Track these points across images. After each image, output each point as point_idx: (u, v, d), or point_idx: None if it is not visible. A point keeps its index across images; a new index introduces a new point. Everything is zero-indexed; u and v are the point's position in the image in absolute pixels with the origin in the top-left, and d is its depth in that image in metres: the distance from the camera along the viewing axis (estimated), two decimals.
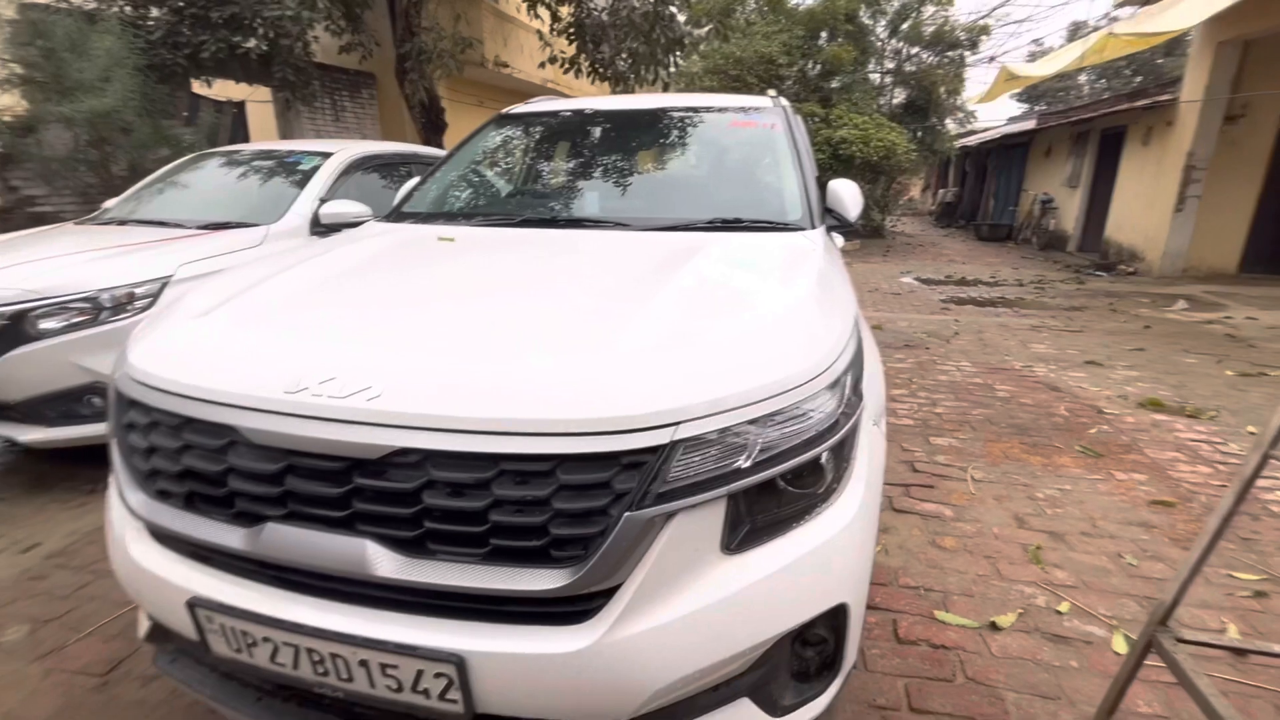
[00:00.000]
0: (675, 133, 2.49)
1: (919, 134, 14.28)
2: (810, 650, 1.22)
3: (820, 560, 1.11)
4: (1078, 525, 2.54)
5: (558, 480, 0.98)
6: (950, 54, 14.36)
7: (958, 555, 2.34)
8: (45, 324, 2.59)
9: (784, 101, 2.69)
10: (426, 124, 8.71)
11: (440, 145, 8.66)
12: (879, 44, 15.44)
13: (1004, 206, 16.36)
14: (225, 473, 1.10)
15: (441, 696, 1.02)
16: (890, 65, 15.20)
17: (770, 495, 1.09)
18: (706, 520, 1.03)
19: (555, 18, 9.56)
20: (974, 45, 14.26)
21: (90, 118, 5.71)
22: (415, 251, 1.77)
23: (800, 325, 1.28)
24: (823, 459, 1.14)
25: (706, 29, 12.99)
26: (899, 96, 15.49)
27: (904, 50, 15.16)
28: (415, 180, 2.64)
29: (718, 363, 1.10)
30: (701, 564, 1.04)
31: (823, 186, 2.24)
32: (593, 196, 2.18)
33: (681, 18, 8.34)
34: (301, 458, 1.05)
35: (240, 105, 8.97)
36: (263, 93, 9.36)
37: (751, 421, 1.04)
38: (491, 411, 0.98)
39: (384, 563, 1.01)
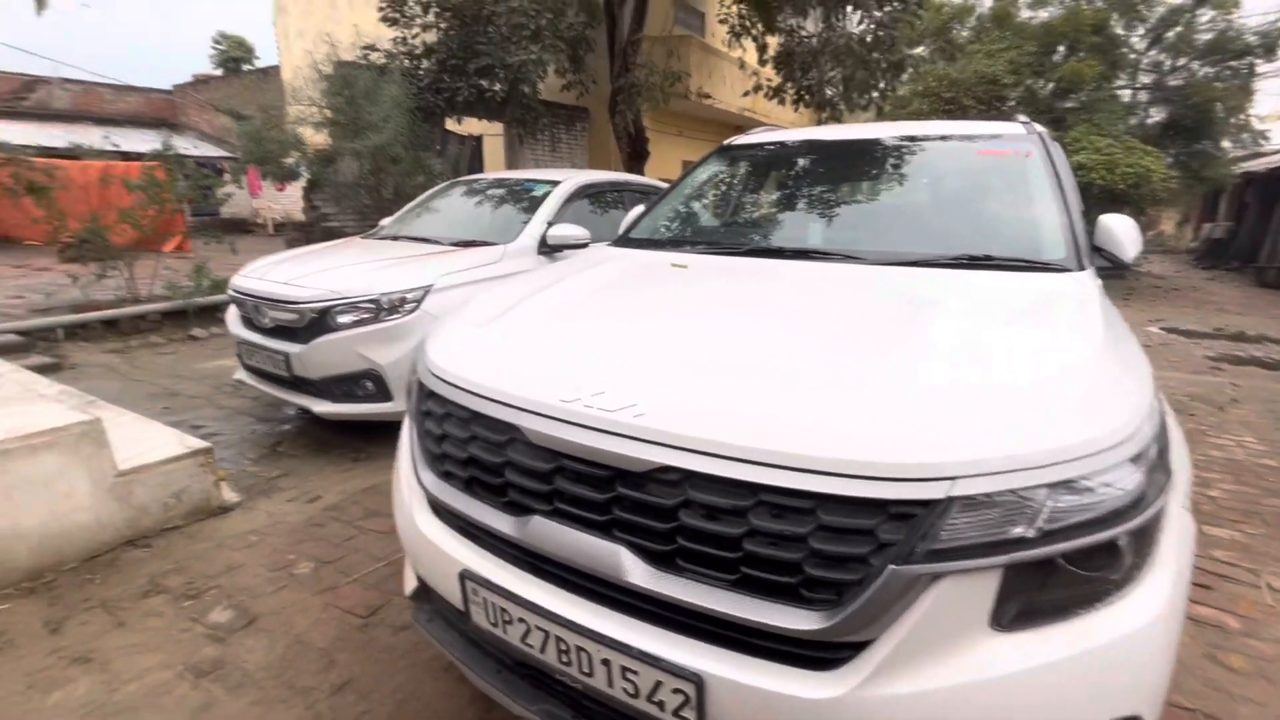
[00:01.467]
0: (912, 162, 2.37)
1: (1182, 158, 12.03)
2: None
3: (1113, 659, 0.96)
4: None
5: (818, 520, 0.96)
6: (1234, 64, 11.93)
7: (1252, 681, 1.88)
8: (341, 319, 3.18)
9: (1039, 127, 2.42)
10: (631, 153, 9.32)
11: (641, 173, 9.19)
12: (1132, 56, 13.37)
13: None
14: (503, 465, 1.25)
15: (675, 713, 1.04)
16: (1146, 80, 13.04)
17: (1055, 573, 0.96)
18: (977, 588, 0.94)
19: (761, 48, 9.72)
20: (1271, 51, 11.71)
21: (373, 151, 6.97)
22: (655, 277, 1.88)
23: (1097, 384, 1.12)
24: (1120, 540, 0.98)
25: (928, 49, 12.27)
26: (1157, 115, 13.21)
27: (1166, 62, 12.93)
28: (640, 208, 2.81)
29: (1003, 417, 1.00)
30: (967, 636, 0.94)
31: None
32: (823, 227, 2.15)
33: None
34: (571, 461, 1.15)
35: (478, 139, 10.35)
36: (495, 128, 10.73)
37: (1040, 486, 0.94)
38: (755, 441, 1.00)
39: (636, 571, 1.07)
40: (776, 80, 8.88)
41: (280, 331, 3.34)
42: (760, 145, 2.80)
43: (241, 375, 3.75)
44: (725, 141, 2.95)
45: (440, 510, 1.40)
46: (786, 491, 0.97)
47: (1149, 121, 13.36)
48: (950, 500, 0.92)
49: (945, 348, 1.22)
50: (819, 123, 8.89)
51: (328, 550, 2.48)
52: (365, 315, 3.18)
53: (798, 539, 0.97)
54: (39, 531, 2.23)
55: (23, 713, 1.68)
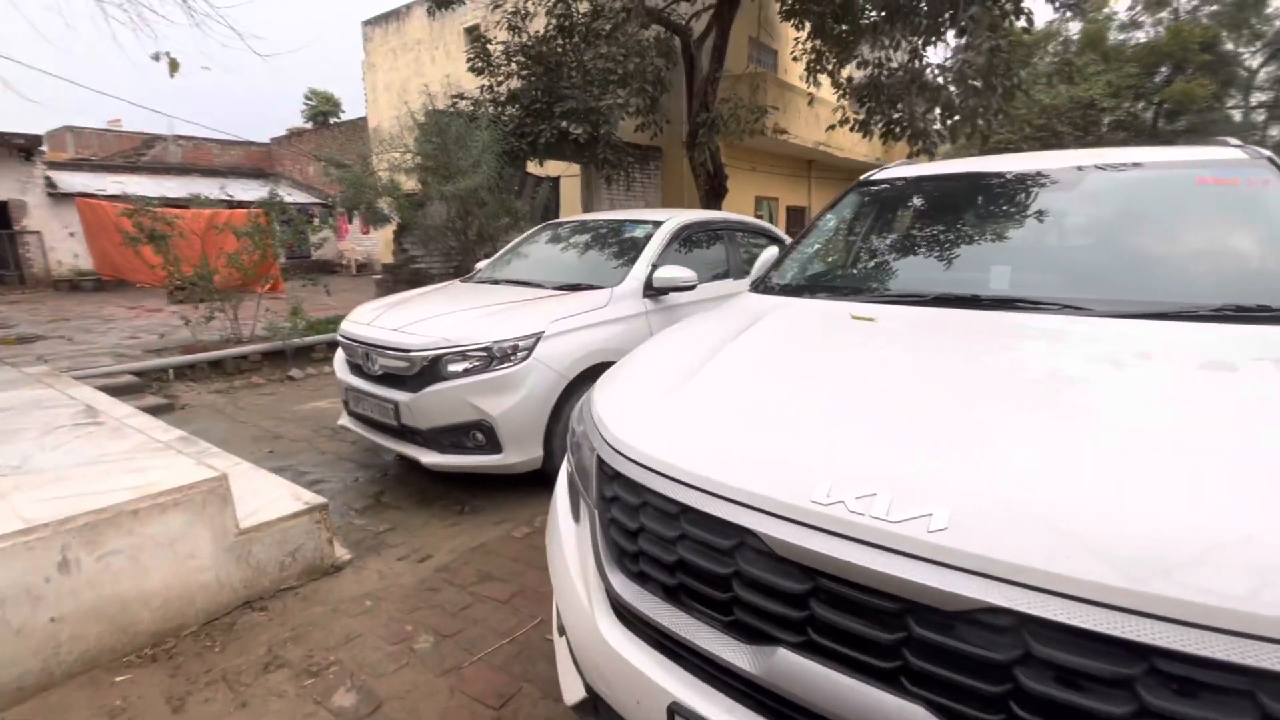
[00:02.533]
0: (1114, 194, 2.05)
1: None
2: None
3: None
4: None
5: (1260, 707, 0.67)
6: None
7: None
8: (452, 367, 3.08)
9: (1264, 150, 2.07)
10: (709, 190, 9.21)
11: (719, 208, 9.06)
12: (1244, 74, 12.41)
13: None
14: (730, 576, 1.01)
15: None
16: (1266, 98, 12.06)
17: None
18: None
19: (836, 84, 9.53)
20: None
21: (463, 195, 7.11)
22: (846, 332, 1.63)
23: None
24: None
25: (1030, 74, 11.77)
26: (1276, 133, 12.15)
27: None
28: (774, 251, 2.59)
29: None
30: None
31: None
32: (1021, 272, 1.85)
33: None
34: (834, 583, 0.90)
35: (556, 180, 10.53)
36: (571, 169, 10.91)
37: None
38: (1141, 581, 0.72)
39: None
40: (860, 114, 8.63)
41: (389, 379, 3.28)
42: (910, 179, 2.55)
43: (345, 421, 3.71)
44: (864, 176, 2.71)
45: (630, 618, 1.18)
46: (1200, 660, 0.69)
47: (1267, 141, 12.28)
48: None
49: None
50: (911, 155, 8.55)
51: (445, 621, 2.30)
52: (477, 364, 3.06)
53: None
54: (162, 594, 2.15)
55: None
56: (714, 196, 9.26)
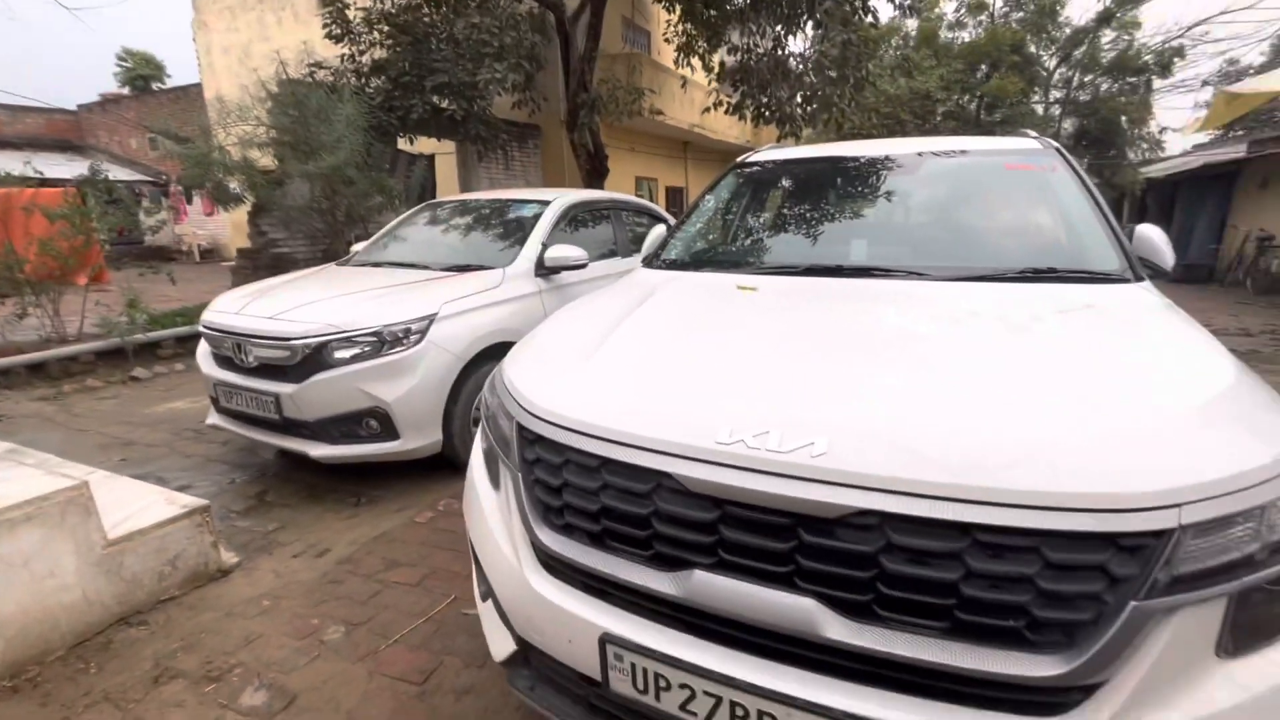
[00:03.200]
0: (945, 177, 2.41)
1: (1095, 166, 13.05)
2: None
3: None
4: None
5: (1044, 558, 0.91)
6: (1133, 80, 13.08)
7: None
8: (339, 354, 2.95)
9: (1053, 142, 2.52)
10: (591, 169, 9.25)
11: (601, 188, 9.15)
12: (1044, 74, 14.44)
13: (1202, 244, 14.39)
14: (650, 516, 1.14)
15: None
16: (1059, 95, 14.12)
17: (1275, 592, 0.94)
18: (1209, 616, 0.91)
19: (708, 67, 9.89)
20: (1165, 69, 12.91)
21: (327, 173, 6.61)
22: (732, 300, 1.81)
23: (1263, 398, 1.13)
24: None
25: (878, 66, 12.82)
26: (1069, 127, 14.30)
27: (1076, 78, 14.04)
28: (662, 229, 2.75)
29: (1208, 438, 0.99)
30: (1197, 667, 0.91)
31: None
32: (874, 244, 2.14)
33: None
34: (738, 509, 1.06)
35: (431, 157, 10.05)
36: (447, 146, 10.46)
37: (1265, 504, 0.92)
38: (968, 478, 0.94)
39: (831, 625, 0.99)
40: (735, 97, 9.04)
41: (267, 370, 3.07)
42: (781, 162, 2.80)
43: (216, 419, 3.43)
44: (741, 159, 2.93)
45: (557, 568, 1.28)
46: (1007, 530, 0.92)
47: (1062, 133, 14.43)
48: (1182, 527, 0.89)
49: (1104, 366, 1.21)
50: (779, 139, 9.11)
51: (354, 610, 2.27)
52: (367, 349, 2.96)
53: (1023, 580, 0.91)
54: (18, 619, 1.93)
55: None
56: (596, 177, 9.32)
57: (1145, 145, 14.89)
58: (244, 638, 2.11)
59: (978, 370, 1.23)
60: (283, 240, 7.69)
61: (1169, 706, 0.89)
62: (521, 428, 1.36)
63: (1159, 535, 0.89)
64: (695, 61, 9.86)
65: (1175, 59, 12.71)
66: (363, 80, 8.12)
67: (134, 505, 2.36)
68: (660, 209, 5.58)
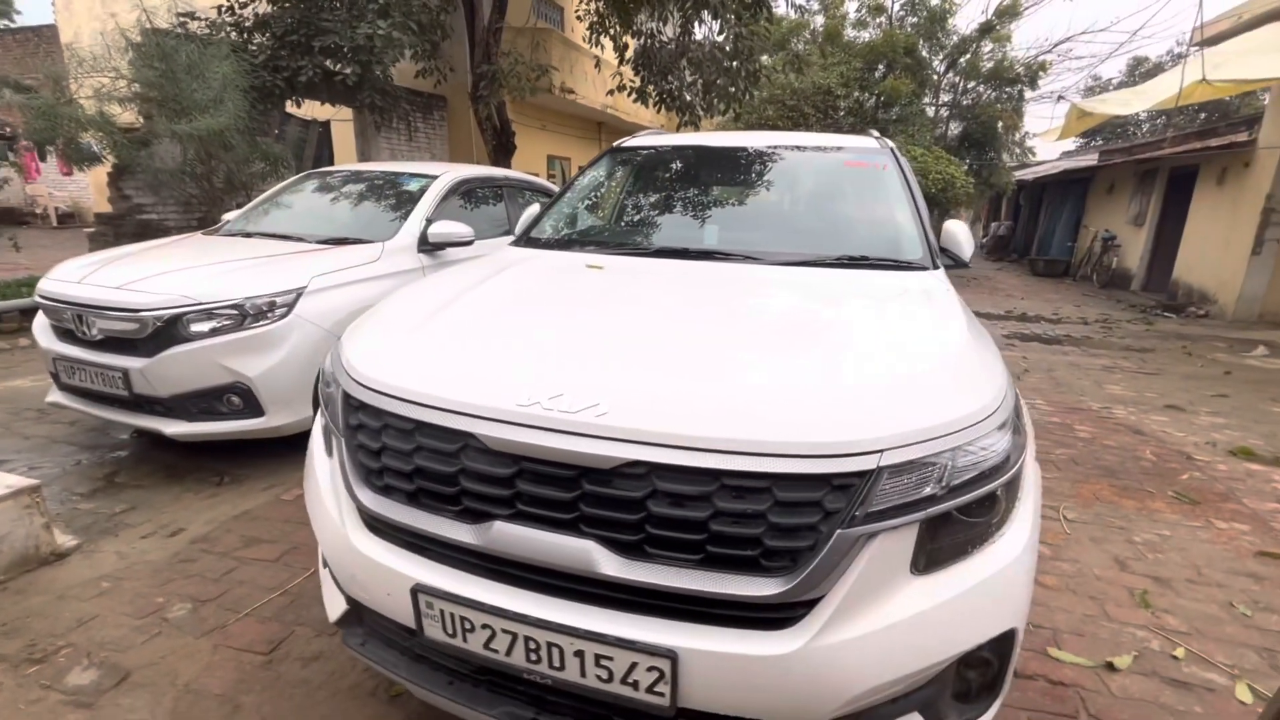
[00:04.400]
0: (791, 170, 2.62)
1: (975, 167, 14.21)
2: (972, 672, 1.28)
3: (996, 586, 1.19)
4: (1182, 572, 2.52)
5: (774, 497, 1.08)
6: (1009, 89, 14.29)
7: (1061, 594, 2.35)
8: (196, 327, 2.83)
9: (889, 142, 2.79)
10: (497, 145, 9.07)
11: (508, 166, 9.00)
12: (936, 77, 15.49)
13: (1061, 242, 16.06)
14: (456, 474, 1.23)
15: (650, 689, 1.11)
16: (947, 98, 15.19)
17: (954, 523, 1.17)
18: (901, 542, 1.12)
19: (621, 48, 9.91)
20: (1033, 81, 14.19)
21: (202, 135, 6.13)
22: (576, 277, 1.92)
23: (972, 365, 1.37)
24: (998, 491, 1.21)
25: (774, 60, 13.23)
26: (955, 129, 15.44)
27: (961, 84, 15.16)
28: (536, 208, 2.81)
29: (910, 397, 1.20)
30: (895, 583, 1.12)
31: None
32: (720, 230, 2.31)
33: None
34: (532, 464, 1.17)
35: (326, 124, 9.49)
36: (345, 112, 9.90)
37: (944, 453, 1.13)
38: (718, 431, 1.10)
39: (607, 563, 1.12)
40: (638, 81, 9.11)
41: (114, 344, 2.89)
42: (653, 149, 2.92)
43: (57, 397, 3.18)
44: (617, 143, 3.04)
45: (379, 527, 1.35)
46: (748, 475, 1.08)
47: (950, 135, 15.57)
48: (880, 470, 1.09)
49: (854, 338, 1.42)
50: (679, 126, 9.28)
51: (205, 588, 2.22)
52: (226, 322, 2.85)
53: (757, 516, 1.08)
54: None
55: None
56: (502, 153, 9.14)
57: (1018, 150, 16.38)
58: (76, 620, 2.03)
59: (752, 342, 1.40)
60: (150, 206, 7.07)
61: (871, 613, 1.10)
62: (347, 395, 1.41)
63: (862, 475, 1.08)
64: (606, 41, 9.85)
65: (1041, 72, 14.03)
66: (244, 36, 7.53)
67: None
68: (554, 188, 5.61)
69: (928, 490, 1.12)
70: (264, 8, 7.73)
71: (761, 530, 1.08)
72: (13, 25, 20.50)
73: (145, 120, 6.56)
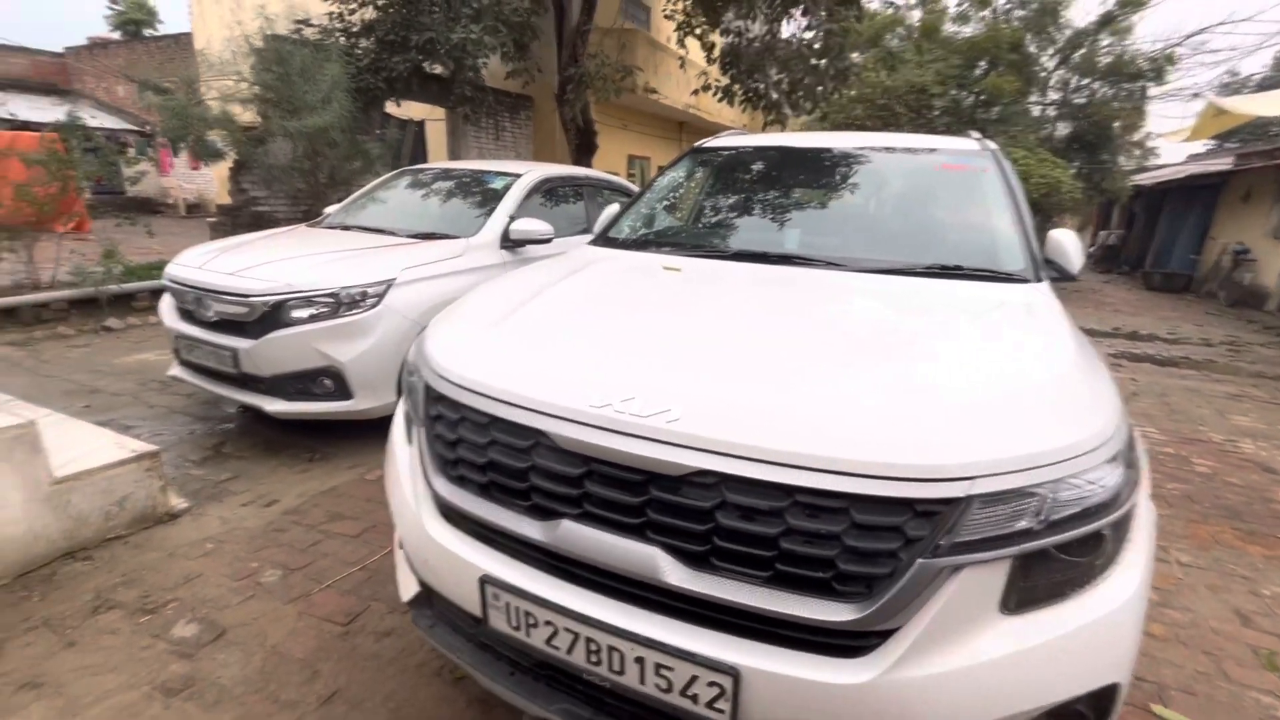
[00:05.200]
0: (880, 173, 2.50)
1: (1084, 170, 13.14)
2: None
3: (1097, 635, 1.08)
4: None
5: (851, 519, 1.03)
6: (1129, 85, 13.10)
7: (1170, 645, 2.13)
8: (296, 313, 3.03)
9: (991, 144, 2.61)
10: (579, 145, 9.23)
11: (589, 165, 9.14)
12: (1043, 74, 14.44)
13: (1183, 254, 14.58)
14: (528, 470, 1.25)
15: (710, 705, 1.09)
16: (1055, 96, 14.12)
17: (1052, 561, 1.07)
18: (990, 577, 1.03)
19: (708, 47, 9.84)
20: (1159, 76, 12.94)
21: (310, 133, 6.59)
22: (653, 279, 1.91)
23: (1081, 391, 1.25)
24: (1105, 531, 1.10)
25: (864, 57, 12.76)
26: (1063, 130, 14.34)
27: (1072, 81, 14.05)
28: (615, 208, 2.82)
29: (1009, 422, 1.11)
30: (980, 621, 1.04)
31: None
32: (802, 234, 2.24)
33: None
34: (602, 465, 1.17)
35: (420, 124, 9.97)
36: (438, 113, 10.37)
37: (1044, 484, 1.04)
38: (793, 445, 1.05)
39: (672, 572, 1.11)
40: (725, 80, 9.01)
41: (226, 325, 3.14)
42: (735, 149, 2.87)
43: (177, 371, 3.50)
44: (698, 144, 3.01)
45: (452, 515, 1.39)
46: (823, 493, 1.03)
47: (1056, 135, 14.47)
48: (970, 498, 1.01)
49: (945, 354, 1.33)
50: (765, 125, 9.11)
51: (293, 556, 2.38)
52: (323, 310, 3.04)
53: (832, 537, 1.03)
54: None
55: None
56: (584, 153, 9.29)
57: (1138, 152, 14.99)
58: (183, 577, 2.22)
59: (833, 353, 1.34)
60: (263, 199, 7.66)
61: (952, 651, 1.02)
62: (428, 386, 1.46)
63: (949, 503, 1.01)
64: (691, 41, 9.80)
65: (1168, 65, 12.76)
66: (351, 41, 8.02)
67: (84, 447, 2.45)
68: (634, 188, 5.63)
69: (1023, 524, 1.03)
70: (370, 14, 8.21)
71: (836, 552, 1.03)
72: (155, 33, 22.80)
73: (262, 120, 7.11)
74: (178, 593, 2.13)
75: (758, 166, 2.76)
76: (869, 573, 1.03)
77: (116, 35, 23.51)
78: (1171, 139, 10.39)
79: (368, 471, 3.09)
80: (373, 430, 3.42)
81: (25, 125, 6.58)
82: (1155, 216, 16.88)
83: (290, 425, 3.49)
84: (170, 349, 3.54)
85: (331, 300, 3.04)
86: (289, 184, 7.40)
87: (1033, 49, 13.41)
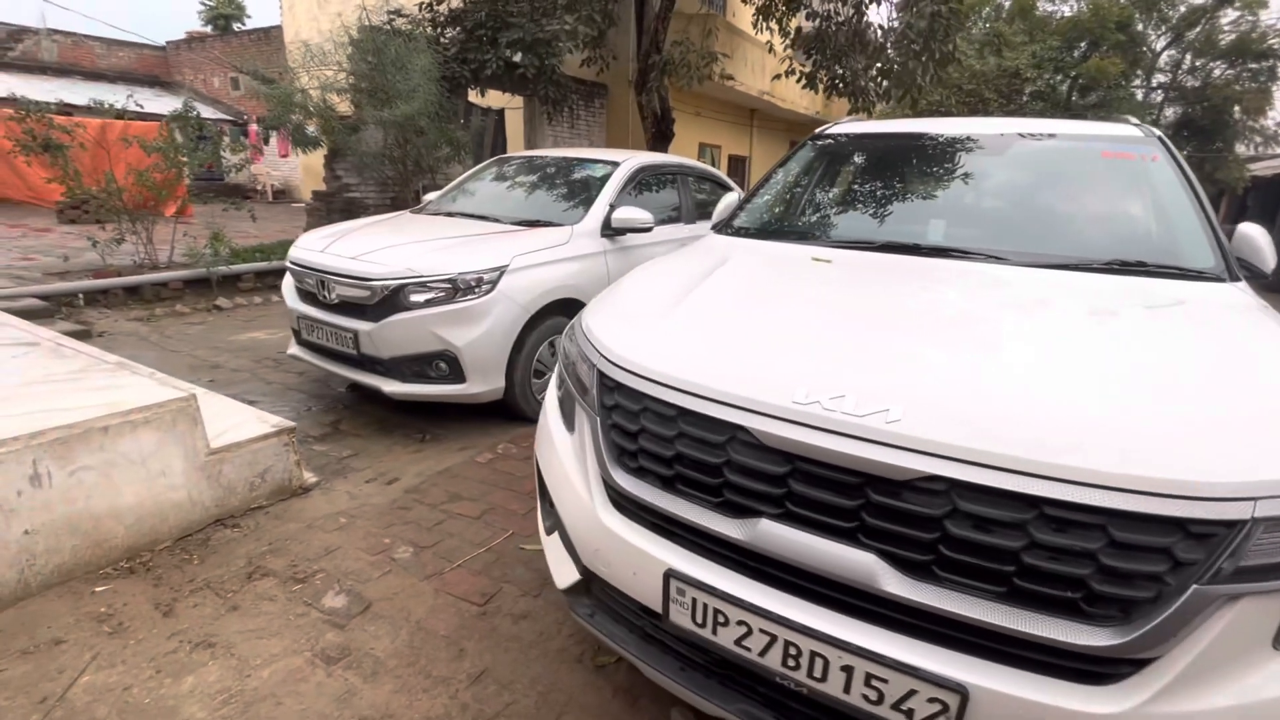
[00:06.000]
0: (1034, 161, 2.34)
1: (1195, 159, 12.13)
2: None
3: None
4: None
5: (1109, 536, 0.94)
6: (1255, 65, 11.98)
7: None
8: (414, 297, 3.11)
9: (1155, 130, 2.41)
10: (656, 133, 9.15)
11: (665, 152, 9.06)
12: (1150, 55, 13.38)
13: None
14: (722, 465, 1.22)
15: None
16: (1164, 79, 13.07)
17: None
18: (1267, 610, 0.93)
19: (785, 33, 9.56)
20: None
21: (401, 121, 6.77)
22: (807, 270, 1.85)
23: None
24: None
25: (961, 40, 12.14)
26: (1170, 115, 13.28)
27: (1185, 61, 12.96)
28: (734, 197, 2.76)
29: None
30: (1250, 657, 0.94)
31: None
32: (955, 225, 2.11)
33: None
34: (809, 465, 1.12)
35: (500, 112, 10.12)
36: (515, 100, 10.50)
37: None
38: (1040, 455, 0.98)
39: (890, 580, 1.05)
40: (808, 66, 8.74)
41: (347, 308, 3.26)
42: (862, 135, 2.75)
43: (296, 350, 3.67)
44: (820, 130, 2.90)
45: (625, 506, 1.37)
46: (1075, 506, 0.95)
47: (1161, 121, 13.42)
48: (1255, 521, 0.91)
49: (1183, 360, 1.21)
50: (849, 112, 8.79)
51: (421, 534, 2.45)
52: (441, 294, 3.10)
53: (1085, 554, 0.95)
54: (135, 510, 2.17)
55: (157, 699, 1.65)
56: (660, 140, 9.22)
57: (1259, 139, 13.70)
58: (324, 548, 2.32)
59: (1052, 354, 1.24)
60: (355, 185, 7.95)
61: (1217, 689, 0.93)
62: (602, 375, 1.44)
63: (1230, 525, 0.91)
64: (772, 25, 9.55)
65: None
66: (439, 30, 8.19)
67: (230, 420, 2.59)
68: (725, 176, 5.53)
69: None
70: (456, 3, 8.36)
71: (1089, 571, 0.95)
72: (244, 27, 23.99)
73: (357, 108, 7.36)
74: (321, 564, 2.23)
75: (890, 154, 2.63)
76: (1126, 595, 0.94)
77: (209, 30, 24.88)
78: None
79: (477, 454, 3.16)
80: (477, 414, 3.51)
81: (145, 115, 7.00)
82: (1272, 210, 15.47)
83: (400, 406, 3.61)
84: (289, 329, 3.70)
85: (449, 285, 3.11)
86: (379, 171, 7.65)
87: (1141, 28, 12.42)
